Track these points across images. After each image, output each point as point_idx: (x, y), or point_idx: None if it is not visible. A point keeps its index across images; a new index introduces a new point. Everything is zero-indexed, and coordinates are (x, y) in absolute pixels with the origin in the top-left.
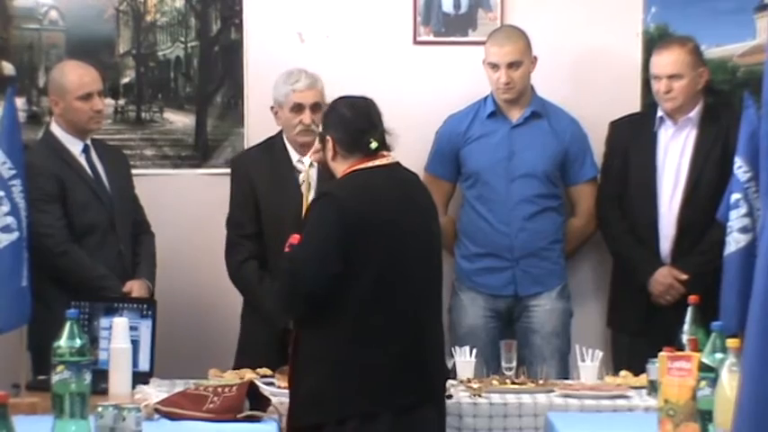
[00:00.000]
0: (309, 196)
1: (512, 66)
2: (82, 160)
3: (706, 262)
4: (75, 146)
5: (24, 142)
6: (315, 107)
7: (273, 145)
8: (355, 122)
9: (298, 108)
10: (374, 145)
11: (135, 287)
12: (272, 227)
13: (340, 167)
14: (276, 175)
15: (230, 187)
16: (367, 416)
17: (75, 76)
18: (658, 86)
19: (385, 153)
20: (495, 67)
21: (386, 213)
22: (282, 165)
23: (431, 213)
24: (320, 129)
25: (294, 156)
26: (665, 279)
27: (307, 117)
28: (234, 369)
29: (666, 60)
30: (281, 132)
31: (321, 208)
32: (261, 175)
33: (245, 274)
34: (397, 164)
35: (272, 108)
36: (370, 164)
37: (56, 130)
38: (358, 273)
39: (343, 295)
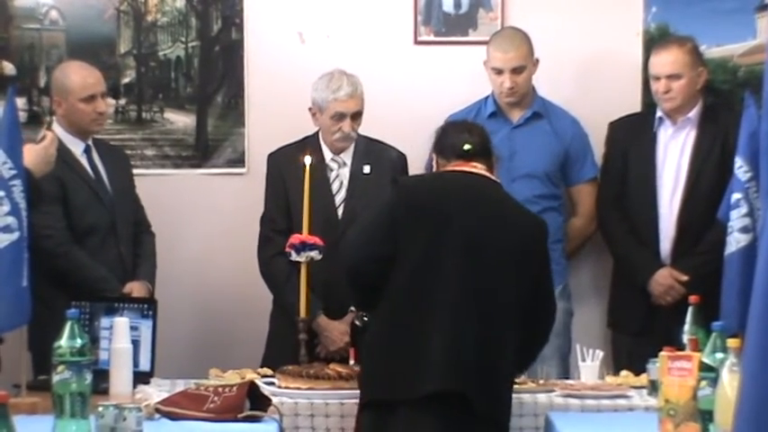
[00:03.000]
0: (339, 194)
1: (515, 71)
2: (83, 161)
3: (706, 262)
4: (76, 146)
5: (25, 142)
6: (355, 115)
7: (309, 143)
8: (451, 132)
9: (339, 117)
10: (467, 147)
11: (135, 288)
12: (302, 224)
13: None
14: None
15: (265, 184)
16: (383, 404)
17: (79, 77)
18: (657, 86)
19: (481, 165)
20: (498, 71)
21: (443, 203)
22: (317, 164)
23: (509, 229)
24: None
25: (328, 155)
26: (665, 280)
27: (347, 125)
28: (261, 367)
29: (665, 60)
30: (317, 132)
31: (388, 194)
32: (294, 173)
33: (274, 269)
34: (487, 177)
35: (310, 109)
36: (459, 168)
37: (57, 130)
38: (403, 256)
39: (389, 280)
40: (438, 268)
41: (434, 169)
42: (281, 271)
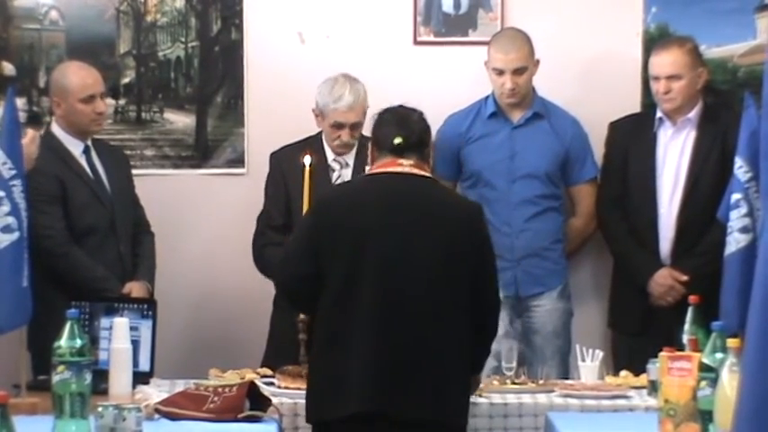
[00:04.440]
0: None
1: (517, 72)
2: (82, 161)
3: (706, 263)
4: (75, 147)
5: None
6: (355, 125)
7: (311, 143)
8: (385, 122)
9: (338, 126)
10: (397, 140)
11: (134, 288)
12: None
13: (368, 172)
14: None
15: (266, 182)
16: (321, 424)
17: (78, 77)
18: (657, 87)
19: (411, 159)
20: (499, 72)
21: (361, 218)
22: (318, 164)
23: (440, 224)
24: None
25: (330, 156)
26: (665, 281)
27: (345, 135)
28: (261, 367)
29: (665, 61)
30: (320, 132)
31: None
32: (295, 173)
33: (264, 259)
34: (421, 175)
35: (313, 110)
36: (384, 169)
37: (56, 130)
38: (326, 275)
39: (319, 297)
40: (357, 286)
41: (370, 159)
42: (274, 256)
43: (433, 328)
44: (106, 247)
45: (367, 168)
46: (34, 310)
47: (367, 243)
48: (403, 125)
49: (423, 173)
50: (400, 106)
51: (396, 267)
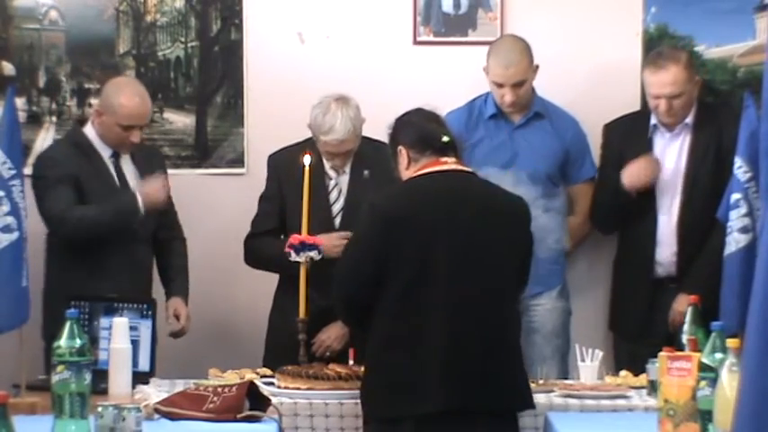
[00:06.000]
0: (338, 203)
1: (516, 85)
2: (109, 163)
3: (713, 274)
4: (105, 149)
5: (24, 142)
6: (347, 154)
7: (309, 146)
8: (424, 122)
9: (329, 156)
10: (446, 138)
11: (176, 305)
12: (297, 229)
13: (411, 175)
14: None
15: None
16: (387, 421)
17: (130, 105)
18: (657, 104)
19: (454, 159)
20: (499, 85)
21: (426, 218)
22: (315, 168)
23: (498, 219)
24: (390, 147)
25: (327, 163)
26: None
27: (338, 161)
28: (261, 367)
29: (665, 80)
30: None
31: (363, 215)
32: (291, 175)
33: (252, 250)
34: (470, 171)
35: (308, 126)
36: (432, 168)
37: (89, 131)
38: (392, 276)
39: (381, 298)
40: (428, 285)
41: (405, 163)
42: (262, 242)
43: (500, 320)
44: (119, 250)
45: (404, 172)
46: (53, 300)
47: (435, 241)
48: (443, 124)
49: (467, 169)
50: (420, 108)
51: (464, 263)
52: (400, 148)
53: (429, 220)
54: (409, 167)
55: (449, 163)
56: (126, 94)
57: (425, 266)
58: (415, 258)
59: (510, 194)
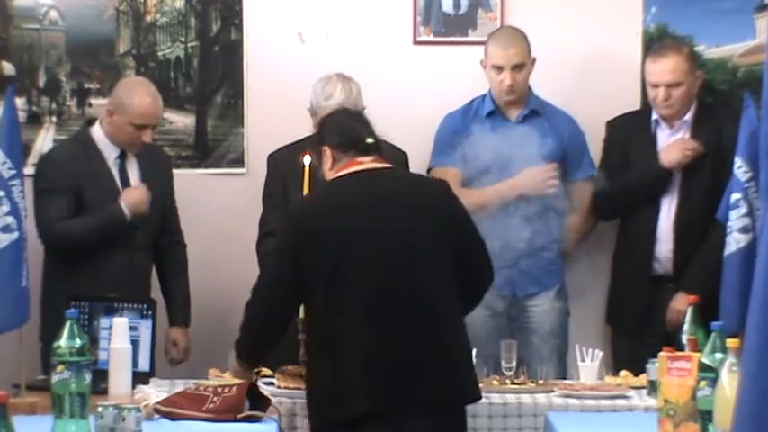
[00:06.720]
0: None
1: (516, 68)
2: (113, 166)
3: (712, 273)
4: (111, 151)
5: (24, 142)
6: None
7: (309, 144)
8: (349, 122)
9: None
10: (370, 140)
11: (177, 335)
12: None
13: (332, 176)
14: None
15: (264, 184)
16: (322, 429)
17: (143, 105)
18: (656, 93)
19: (373, 158)
20: (498, 69)
21: (340, 221)
22: (315, 168)
23: (416, 209)
24: (316, 147)
25: None
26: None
27: None
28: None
29: (665, 68)
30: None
31: (282, 224)
32: (293, 174)
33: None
34: (387, 168)
35: (308, 109)
36: (350, 169)
37: (96, 132)
38: (313, 279)
39: (309, 308)
40: (346, 285)
41: (329, 164)
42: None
43: (430, 313)
44: (118, 254)
45: (327, 172)
46: (51, 302)
47: (350, 243)
48: (368, 124)
49: (385, 166)
50: (346, 109)
51: (382, 262)
52: (325, 148)
53: (343, 223)
54: (332, 168)
55: (365, 162)
56: (139, 94)
57: (340, 269)
58: (329, 262)
59: (428, 180)
